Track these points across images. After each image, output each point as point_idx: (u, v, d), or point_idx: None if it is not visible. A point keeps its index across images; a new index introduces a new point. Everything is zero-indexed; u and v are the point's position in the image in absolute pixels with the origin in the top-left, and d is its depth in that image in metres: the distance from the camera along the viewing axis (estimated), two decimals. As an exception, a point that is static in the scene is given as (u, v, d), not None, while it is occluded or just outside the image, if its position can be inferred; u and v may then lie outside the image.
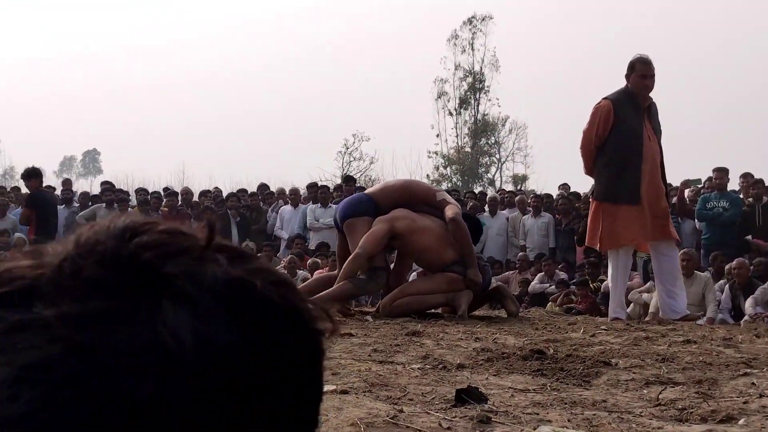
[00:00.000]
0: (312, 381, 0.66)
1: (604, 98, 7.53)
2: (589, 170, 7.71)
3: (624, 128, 7.39)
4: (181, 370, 0.58)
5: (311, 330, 0.66)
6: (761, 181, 12.90)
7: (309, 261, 13.95)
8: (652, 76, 7.54)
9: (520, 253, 14.19)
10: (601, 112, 7.42)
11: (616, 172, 7.42)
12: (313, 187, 16.43)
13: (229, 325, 0.60)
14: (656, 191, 7.51)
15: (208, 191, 17.77)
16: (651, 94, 7.62)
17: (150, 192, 17.58)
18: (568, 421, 3.02)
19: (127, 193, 17.84)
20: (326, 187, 16.90)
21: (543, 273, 13.27)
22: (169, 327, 0.58)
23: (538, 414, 3.14)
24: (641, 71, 7.45)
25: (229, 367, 0.59)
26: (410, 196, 7.30)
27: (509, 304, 7.13)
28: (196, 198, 17.04)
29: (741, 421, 3.05)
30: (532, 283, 13.24)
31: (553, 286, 12.96)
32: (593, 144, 7.51)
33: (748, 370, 4.14)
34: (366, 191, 7.78)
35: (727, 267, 11.32)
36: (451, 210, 7.03)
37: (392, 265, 7.55)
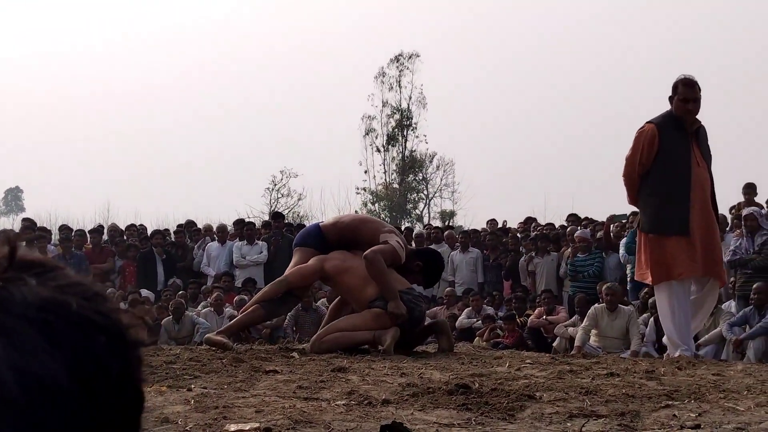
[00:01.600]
0: (135, 393, 0.63)
1: (648, 122, 7.11)
2: (633, 200, 7.32)
3: (670, 154, 6.99)
4: (6, 409, 0.54)
5: (130, 343, 0.63)
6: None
7: (236, 298, 13.82)
8: (696, 100, 7.04)
9: (447, 288, 14.25)
10: (644, 137, 7.00)
11: (663, 201, 7.00)
12: (239, 223, 16.33)
13: (50, 354, 0.56)
14: (707, 222, 7.05)
15: (134, 226, 17.53)
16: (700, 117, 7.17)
17: (74, 229, 17.29)
18: (492, 455, 3.01)
19: (49, 231, 17.52)
20: (252, 223, 16.79)
21: (470, 308, 13.33)
22: None
23: (462, 448, 3.13)
24: (683, 95, 6.99)
25: (56, 400, 0.55)
26: (355, 234, 7.34)
27: (443, 341, 7.12)
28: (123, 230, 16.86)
29: (662, 453, 3.08)
30: (460, 318, 13.29)
31: (479, 321, 13.02)
32: (637, 172, 7.07)
33: (670, 402, 4.19)
34: (320, 223, 7.80)
35: (651, 300, 11.48)
36: (372, 249, 7.01)
37: (332, 303, 7.64)
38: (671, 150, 6.98)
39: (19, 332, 0.56)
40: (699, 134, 7.12)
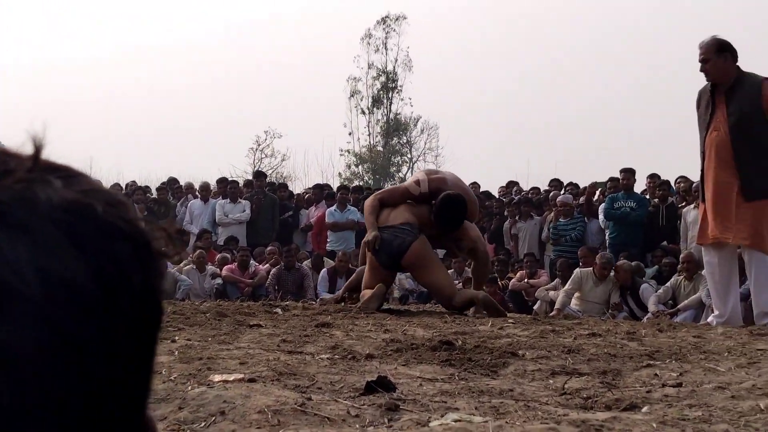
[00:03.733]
0: (155, 306, 0.62)
1: None
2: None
3: (699, 120, 6.97)
4: (29, 310, 0.53)
5: (154, 253, 0.62)
6: (667, 182, 13.23)
7: (218, 256, 13.82)
8: (702, 61, 6.86)
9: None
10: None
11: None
12: (223, 182, 16.28)
13: (74, 256, 0.55)
14: (720, 188, 6.82)
15: (118, 184, 17.43)
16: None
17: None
18: (476, 408, 3.03)
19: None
20: (236, 182, 16.75)
21: (453, 270, 13.37)
22: (8, 263, 0.53)
23: (446, 402, 3.15)
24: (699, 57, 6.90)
25: (78, 302, 0.55)
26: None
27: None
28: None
29: (644, 409, 3.11)
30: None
31: (461, 284, 13.06)
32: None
33: (651, 362, 4.22)
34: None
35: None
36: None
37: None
38: (700, 116, 6.96)
39: (43, 232, 0.55)
40: (733, 93, 6.81)
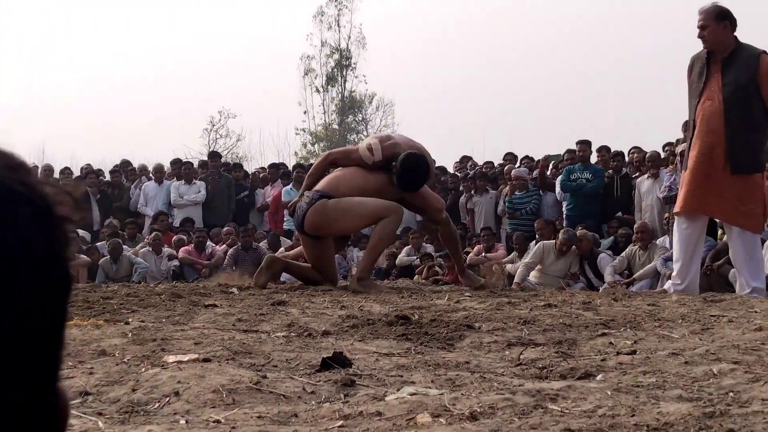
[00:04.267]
0: (61, 272, 0.59)
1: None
2: None
3: (690, 87, 6.81)
4: None
5: (57, 218, 0.59)
6: (621, 153, 13.32)
7: (174, 238, 13.72)
8: (701, 27, 6.68)
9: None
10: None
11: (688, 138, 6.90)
12: (177, 163, 16.15)
13: None
14: (704, 158, 6.71)
15: (68, 168, 17.22)
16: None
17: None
18: (432, 382, 3.02)
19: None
20: (190, 163, 16.62)
21: (410, 246, 13.39)
22: None
23: (402, 376, 3.14)
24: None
25: None
26: None
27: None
28: (56, 175, 16.52)
29: (599, 377, 3.13)
30: (399, 256, 13.35)
31: (419, 259, 13.09)
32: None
33: (606, 331, 4.25)
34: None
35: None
36: None
37: None
38: (692, 83, 6.81)
39: None
40: (730, 63, 6.67)
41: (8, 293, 0.54)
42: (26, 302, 0.55)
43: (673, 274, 7.14)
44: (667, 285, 7.18)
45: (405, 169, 6.92)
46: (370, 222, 7.06)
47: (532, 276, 11.28)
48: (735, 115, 6.60)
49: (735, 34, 6.72)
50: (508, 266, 12.01)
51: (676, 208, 7.05)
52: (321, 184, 7.04)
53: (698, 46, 6.83)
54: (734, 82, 6.60)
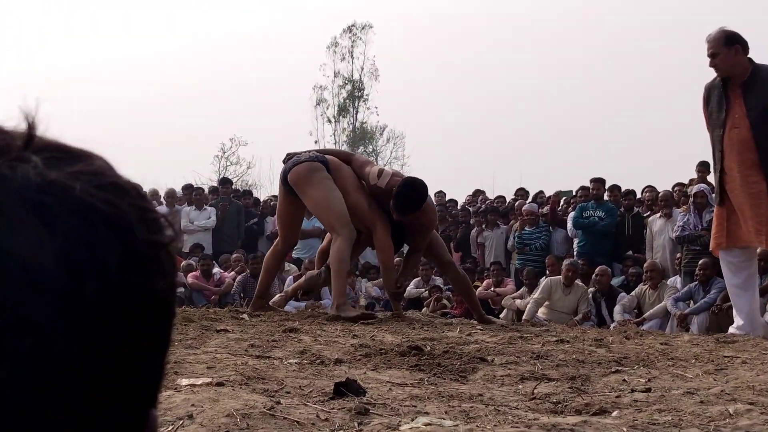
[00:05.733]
0: (140, 292, 0.57)
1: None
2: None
3: (711, 117, 6.53)
4: None
5: (142, 240, 0.57)
6: (632, 192, 13.29)
7: (183, 263, 13.73)
8: (711, 55, 6.44)
9: (396, 258, 14.23)
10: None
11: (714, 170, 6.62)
12: (188, 188, 16.18)
13: (38, 236, 0.52)
14: (750, 189, 6.37)
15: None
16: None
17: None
18: (446, 413, 3.01)
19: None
20: (201, 189, 16.66)
21: (419, 278, 13.37)
22: None
23: (415, 406, 3.13)
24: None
25: (36, 282, 0.52)
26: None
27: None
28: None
29: (614, 414, 3.11)
30: (408, 288, 13.31)
31: (427, 291, 13.07)
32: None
33: (619, 368, 4.23)
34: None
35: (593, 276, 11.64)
36: None
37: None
38: (711, 112, 6.54)
39: (11, 212, 0.52)
40: (749, 87, 6.40)
41: (72, 309, 0.53)
42: (94, 318, 0.54)
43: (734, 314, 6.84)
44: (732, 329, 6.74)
45: (404, 188, 6.70)
46: (325, 223, 6.98)
47: (541, 312, 11.25)
48: (766, 140, 6.32)
49: (749, 56, 6.50)
50: (518, 302, 11.98)
51: (724, 245, 6.65)
52: (329, 156, 6.95)
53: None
54: (759, 106, 6.34)
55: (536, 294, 11.46)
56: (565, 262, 11.58)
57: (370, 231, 6.91)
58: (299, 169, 6.74)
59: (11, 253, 0.51)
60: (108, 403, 0.56)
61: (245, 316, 6.34)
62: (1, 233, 0.52)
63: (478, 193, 17.03)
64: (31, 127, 0.58)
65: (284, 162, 6.99)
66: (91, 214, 0.55)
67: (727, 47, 6.39)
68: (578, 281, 11.53)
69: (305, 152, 6.93)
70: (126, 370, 0.56)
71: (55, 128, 0.60)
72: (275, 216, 7.17)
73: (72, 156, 0.58)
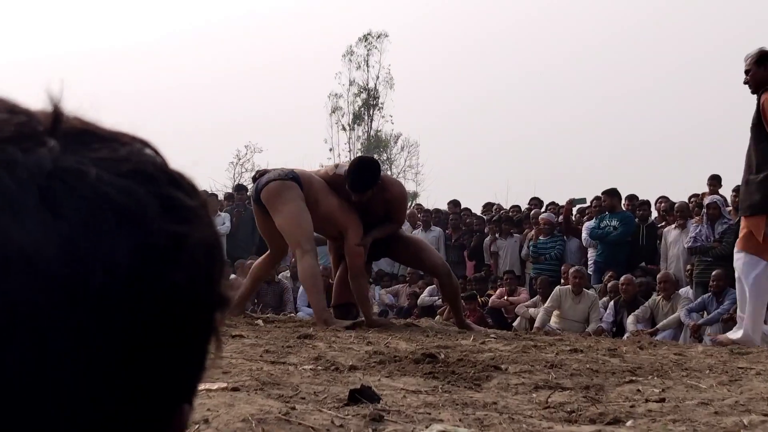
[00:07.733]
0: (160, 288, 0.54)
1: None
2: None
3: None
4: None
5: (158, 230, 0.54)
6: (647, 202, 13.27)
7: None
8: (745, 72, 6.72)
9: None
10: None
11: None
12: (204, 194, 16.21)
13: (43, 224, 0.50)
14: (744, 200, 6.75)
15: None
16: None
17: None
18: (460, 420, 3.02)
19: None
20: (216, 195, 16.70)
21: (432, 286, 13.37)
22: None
23: (430, 414, 3.14)
24: None
25: (35, 271, 0.49)
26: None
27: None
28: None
29: (629, 423, 3.11)
30: (421, 296, 13.33)
31: (440, 300, 13.06)
32: None
33: (634, 378, 4.23)
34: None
35: (611, 284, 11.61)
36: None
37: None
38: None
39: (14, 196, 0.50)
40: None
41: (73, 300, 0.51)
42: (98, 311, 0.51)
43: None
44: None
45: (353, 165, 6.85)
46: (291, 240, 6.99)
47: (552, 321, 11.25)
48: (748, 156, 6.67)
49: None
50: (531, 310, 11.98)
51: (750, 248, 6.73)
52: (297, 169, 7.01)
53: (740, 94, 6.86)
54: (755, 122, 6.63)
55: (547, 303, 11.46)
56: (572, 269, 11.57)
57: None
58: (271, 187, 6.82)
59: (12, 241, 0.49)
60: (127, 399, 0.53)
61: (260, 321, 6.36)
62: (3, 220, 0.50)
63: (490, 205, 16.99)
64: (57, 109, 0.56)
65: (254, 180, 7.08)
66: (103, 203, 0.52)
67: (758, 65, 6.65)
68: (590, 290, 11.53)
69: (277, 170, 6.99)
70: (137, 366, 0.53)
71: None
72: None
73: (99, 140, 0.56)
